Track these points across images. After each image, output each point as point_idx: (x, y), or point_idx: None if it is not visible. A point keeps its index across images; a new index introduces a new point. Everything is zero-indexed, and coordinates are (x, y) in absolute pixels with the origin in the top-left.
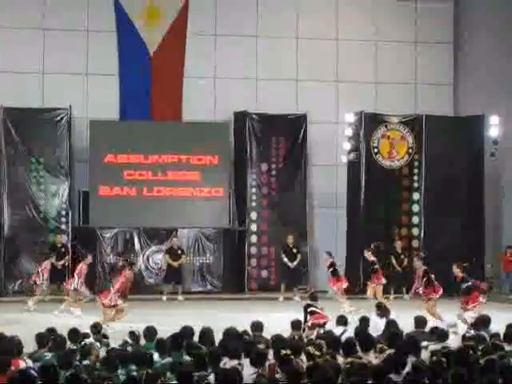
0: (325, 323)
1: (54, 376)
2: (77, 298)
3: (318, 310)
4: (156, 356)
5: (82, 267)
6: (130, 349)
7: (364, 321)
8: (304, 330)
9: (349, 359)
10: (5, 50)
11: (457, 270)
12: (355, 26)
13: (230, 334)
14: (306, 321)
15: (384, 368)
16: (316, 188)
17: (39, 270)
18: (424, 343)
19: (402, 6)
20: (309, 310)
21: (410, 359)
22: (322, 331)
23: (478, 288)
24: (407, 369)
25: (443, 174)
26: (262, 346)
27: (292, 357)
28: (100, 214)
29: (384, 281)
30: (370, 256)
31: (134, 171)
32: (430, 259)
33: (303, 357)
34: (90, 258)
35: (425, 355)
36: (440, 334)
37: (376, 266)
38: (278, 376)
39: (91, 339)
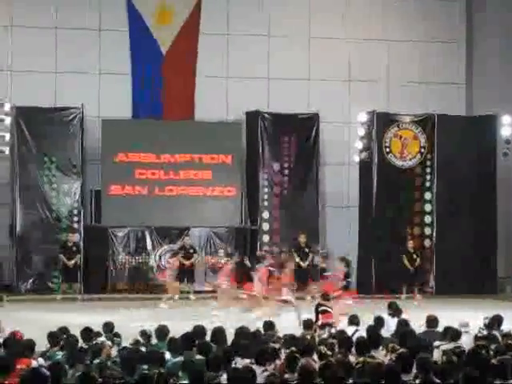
0: (334, 322)
1: (61, 374)
2: None
3: (328, 310)
4: (168, 355)
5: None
6: (142, 348)
7: (378, 320)
8: (315, 329)
9: (360, 359)
10: (17, 50)
11: (340, 265)
12: (366, 25)
13: (242, 333)
14: (317, 320)
15: (396, 367)
16: (328, 187)
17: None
18: (436, 343)
19: (414, 4)
20: (319, 309)
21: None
22: (333, 331)
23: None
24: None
25: (455, 174)
26: (276, 346)
27: (298, 355)
28: (112, 213)
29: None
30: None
31: (146, 170)
32: (443, 258)
33: (315, 356)
34: None
35: (437, 355)
36: (452, 334)
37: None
38: (287, 376)
39: (103, 338)
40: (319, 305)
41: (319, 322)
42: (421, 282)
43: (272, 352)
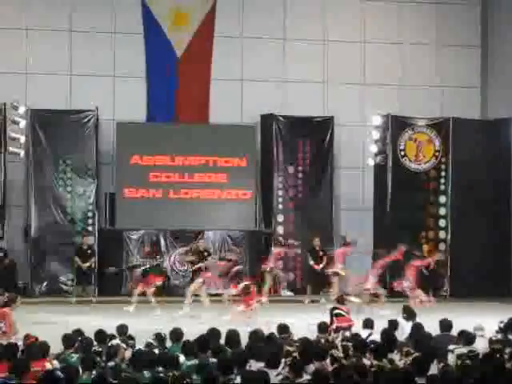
0: (350, 326)
1: (76, 376)
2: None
3: (343, 313)
4: (182, 358)
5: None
6: (156, 351)
7: (392, 324)
8: (330, 333)
9: (375, 362)
10: (32, 52)
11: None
12: (382, 29)
13: (256, 336)
14: (331, 323)
15: (411, 371)
16: (342, 190)
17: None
18: (450, 347)
19: (429, 7)
20: (334, 312)
21: (436, 363)
22: (347, 334)
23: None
24: (431, 371)
25: (470, 177)
26: (291, 349)
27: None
28: (126, 216)
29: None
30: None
31: (161, 173)
32: (457, 261)
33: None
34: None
35: (451, 359)
36: (467, 338)
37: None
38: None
39: (117, 340)
40: (334, 308)
41: (333, 326)
42: (435, 286)
43: (285, 355)
